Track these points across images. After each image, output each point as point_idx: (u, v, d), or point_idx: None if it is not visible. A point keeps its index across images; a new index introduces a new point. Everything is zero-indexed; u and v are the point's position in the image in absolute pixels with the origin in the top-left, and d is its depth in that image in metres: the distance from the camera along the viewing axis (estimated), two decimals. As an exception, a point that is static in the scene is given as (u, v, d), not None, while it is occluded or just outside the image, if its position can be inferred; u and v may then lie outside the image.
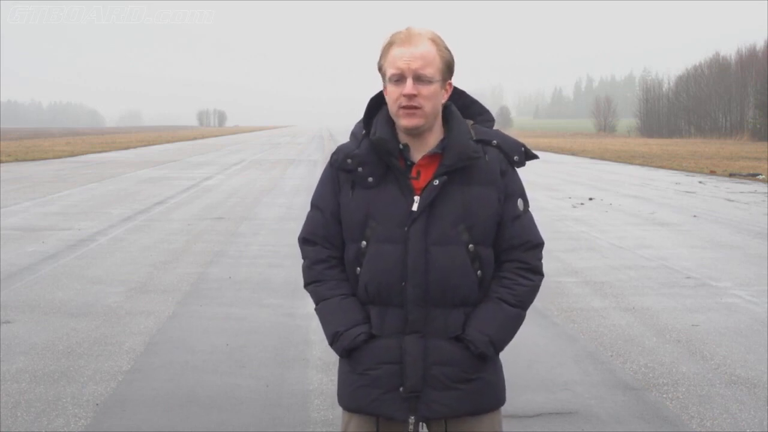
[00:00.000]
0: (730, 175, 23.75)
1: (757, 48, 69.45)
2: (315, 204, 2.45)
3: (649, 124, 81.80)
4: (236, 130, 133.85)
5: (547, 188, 18.88)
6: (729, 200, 16.47)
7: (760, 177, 22.71)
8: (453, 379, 2.32)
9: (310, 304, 2.76)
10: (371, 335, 2.34)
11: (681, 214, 14.03)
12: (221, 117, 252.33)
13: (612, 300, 7.30)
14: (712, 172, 25.18)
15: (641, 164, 30.42)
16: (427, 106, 2.27)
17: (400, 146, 2.32)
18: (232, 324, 6.39)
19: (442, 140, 2.33)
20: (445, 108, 2.37)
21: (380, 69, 2.33)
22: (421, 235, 2.29)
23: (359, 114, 2.53)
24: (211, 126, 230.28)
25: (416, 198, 2.30)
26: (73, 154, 36.58)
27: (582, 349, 5.75)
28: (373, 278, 2.32)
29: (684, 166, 27.96)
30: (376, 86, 2.45)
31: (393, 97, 2.29)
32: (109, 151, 42.11)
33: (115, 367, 5.26)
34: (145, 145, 51.15)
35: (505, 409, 2.51)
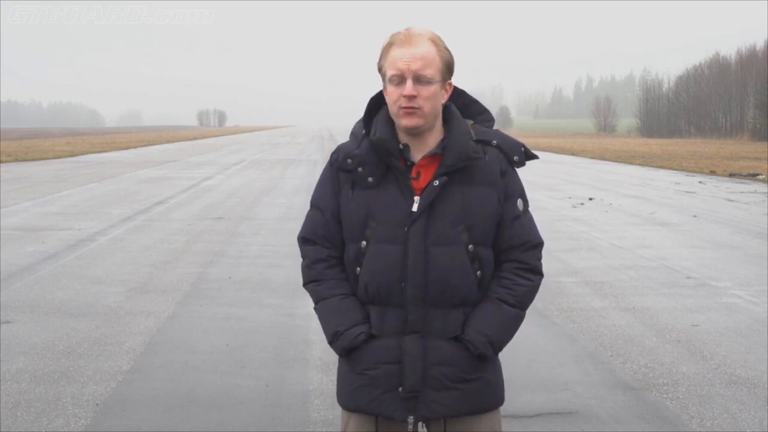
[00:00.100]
0: (730, 175, 23.76)
1: (757, 48, 69.50)
2: (315, 204, 2.45)
3: (649, 124, 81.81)
4: (236, 130, 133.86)
5: (547, 188, 18.89)
6: (729, 200, 16.47)
7: (760, 177, 22.71)
8: (452, 379, 2.32)
9: (310, 304, 2.76)
10: (371, 335, 2.34)
11: (681, 214, 14.03)
12: (221, 117, 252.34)
13: (612, 300, 7.30)
14: (712, 172, 25.18)
15: (641, 164, 30.42)
16: (427, 107, 2.27)
17: (400, 146, 2.32)
18: (232, 324, 6.39)
19: (442, 140, 2.33)
20: (445, 108, 2.37)
21: (380, 70, 2.33)
22: (420, 236, 2.29)
23: (359, 114, 2.53)
24: (211, 126, 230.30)
25: (416, 198, 2.30)
26: (73, 154, 36.59)
27: (582, 349, 5.75)
28: (373, 278, 2.32)
29: (684, 166, 27.96)
30: (375, 86, 2.46)
31: (393, 97, 2.29)
32: (109, 151, 42.12)
33: (115, 367, 5.26)
34: (145, 145, 51.16)
35: (504, 409, 2.51)
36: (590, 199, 16.54)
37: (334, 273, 2.40)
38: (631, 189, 19.25)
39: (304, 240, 2.47)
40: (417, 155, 2.33)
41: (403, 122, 2.29)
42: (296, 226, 8.41)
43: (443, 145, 2.32)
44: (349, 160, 2.34)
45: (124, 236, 11.06)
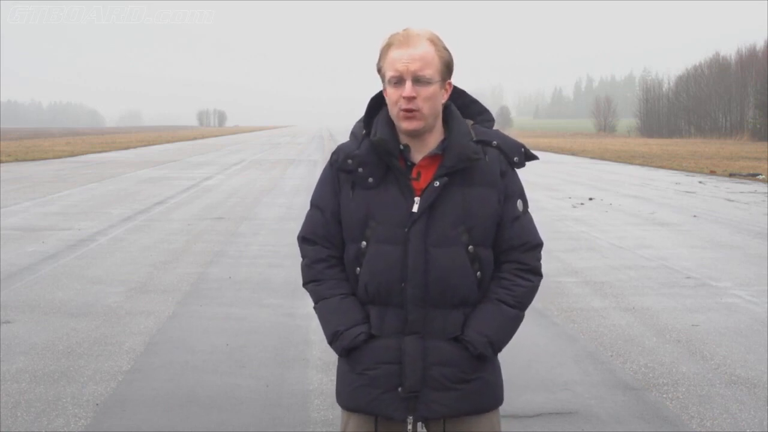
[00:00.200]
0: (730, 175, 23.76)
1: (757, 48, 69.49)
2: (315, 203, 2.45)
3: (649, 124, 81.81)
4: (236, 130, 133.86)
5: (547, 188, 18.89)
6: (729, 200, 16.47)
7: (760, 177, 22.71)
8: (452, 380, 2.32)
9: (310, 304, 2.76)
10: (371, 335, 2.34)
11: (681, 214, 14.03)
12: (221, 117, 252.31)
13: (612, 300, 7.31)
14: (712, 172, 25.18)
15: (641, 164, 30.42)
16: (427, 108, 2.27)
17: (401, 147, 2.32)
18: (232, 324, 6.39)
19: (443, 141, 2.33)
20: (445, 108, 2.37)
21: (379, 71, 2.33)
22: (421, 236, 2.29)
23: (359, 114, 2.53)
24: (211, 126, 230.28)
25: (416, 199, 2.30)
26: (73, 154, 36.59)
27: (582, 349, 5.75)
28: (373, 278, 2.32)
29: (684, 166, 27.96)
30: (375, 86, 2.45)
31: (393, 99, 2.28)
32: (109, 151, 42.12)
33: (115, 367, 5.26)
34: (145, 145, 51.16)
35: (504, 409, 2.52)
36: (590, 199, 16.54)
37: (334, 273, 2.40)
38: (631, 189, 19.25)
39: (304, 240, 2.47)
40: (417, 156, 2.33)
41: (403, 126, 2.29)
42: (296, 226, 8.41)
43: (443, 146, 2.32)
44: (350, 161, 2.34)
45: (124, 236, 11.07)
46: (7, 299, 7.15)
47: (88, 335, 6.03)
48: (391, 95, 2.29)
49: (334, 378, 4.56)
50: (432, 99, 2.27)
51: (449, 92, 2.36)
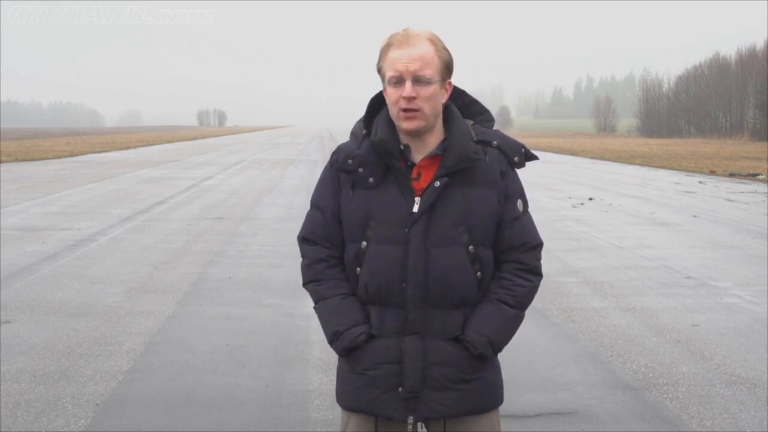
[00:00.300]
0: (730, 175, 23.76)
1: (757, 48, 69.50)
2: (315, 203, 2.45)
3: (649, 124, 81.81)
4: (236, 130, 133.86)
5: (547, 188, 18.89)
6: (729, 200, 16.47)
7: (760, 177, 22.71)
8: (452, 380, 2.32)
9: (310, 304, 2.76)
10: (371, 335, 2.34)
11: (681, 214, 14.03)
12: (221, 117, 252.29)
13: (612, 300, 7.30)
14: (712, 172, 25.18)
15: (641, 164, 30.42)
16: (427, 107, 2.27)
17: (401, 147, 2.32)
18: (232, 324, 6.39)
19: (443, 141, 2.33)
20: (446, 108, 2.37)
21: (379, 71, 2.33)
22: (421, 237, 2.29)
23: (359, 114, 2.53)
24: (211, 126, 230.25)
25: (417, 199, 2.30)
26: (73, 154, 36.59)
27: (582, 349, 5.75)
28: (373, 278, 2.32)
29: (684, 166, 27.96)
30: (375, 86, 2.45)
31: (393, 99, 2.28)
32: (109, 151, 42.12)
33: (115, 367, 5.26)
34: (145, 145, 51.16)
35: (504, 409, 2.52)
36: (590, 199, 16.54)
37: (334, 273, 2.40)
38: (631, 189, 19.25)
39: (304, 240, 2.47)
40: (418, 156, 2.33)
41: (404, 125, 2.29)
42: (296, 226, 8.41)
43: (444, 146, 2.32)
44: (350, 161, 2.34)
45: (124, 236, 11.07)
46: (7, 299, 7.15)
47: (88, 335, 6.03)
48: (391, 95, 2.29)
49: (334, 378, 4.56)
50: (432, 99, 2.27)
51: (449, 92, 2.36)
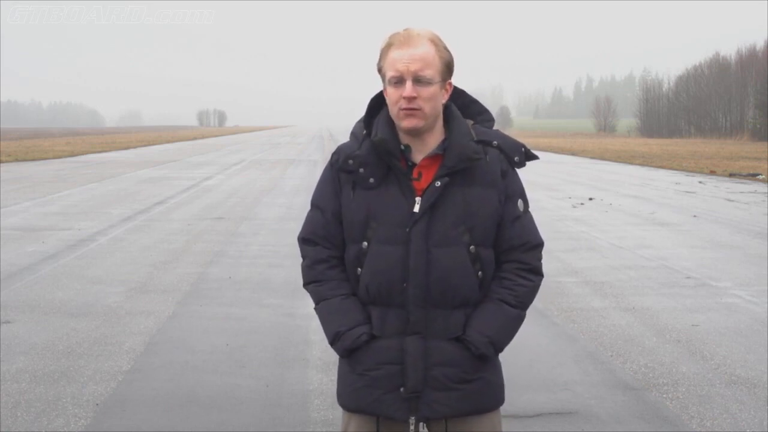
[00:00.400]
0: (730, 175, 23.76)
1: (757, 48, 69.50)
2: (315, 204, 2.45)
3: (649, 124, 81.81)
4: (236, 130, 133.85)
5: (548, 188, 18.89)
6: (729, 200, 16.47)
7: (760, 177, 22.71)
8: (453, 380, 2.32)
9: (310, 304, 2.76)
10: (372, 336, 2.34)
11: (681, 214, 14.03)
12: (221, 117, 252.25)
13: (612, 300, 7.30)
14: (712, 172, 25.18)
15: (641, 164, 30.42)
16: (427, 108, 2.27)
17: (402, 147, 2.32)
18: (232, 324, 6.39)
19: (443, 141, 2.33)
20: (446, 108, 2.37)
21: (380, 71, 2.33)
22: (422, 237, 2.29)
23: (359, 114, 2.53)
24: (211, 126, 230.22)
25: (417, 199, 2.30)
26: (73, 154, 36.59)
27: (582, 349, 5.75)
28: (374, 279, 2.32)
29: (684, 166, 27.96)
30: (375, 86, 2.45)
31: (393, 99, 2.28)
32: (109, 151, 42.12)
33: (115, 367, 5.26)
34: (145, 145, 51.16)
35: (505, 409, 2.51)
36: (590, 199, 16.54)
37: (335, 274, 2.40)
38: (631, 189, 19.25)
39: (304, 240, 2.47)
40: (418, 156, 2.33)
41: (403, 124, 2.29)
42: (296, 226, 8.41)
43: (444, 146, 2.32)
44: (350, 161, 2.34)
45: (124, 236, 11.07)
46: (7, 299, 7.15)
47: (88, 335, 6.03)
48: (392, 95, 2.29)
49: (334, 378, 4.56)
50: (432, 99, 2.27)
51: (449, 93, 2.36)
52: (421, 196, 2.30)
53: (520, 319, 2.39)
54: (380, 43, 2.32)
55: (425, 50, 2.26)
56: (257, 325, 6.37)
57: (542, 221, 11.62)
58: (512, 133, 71.76)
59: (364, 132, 2.37)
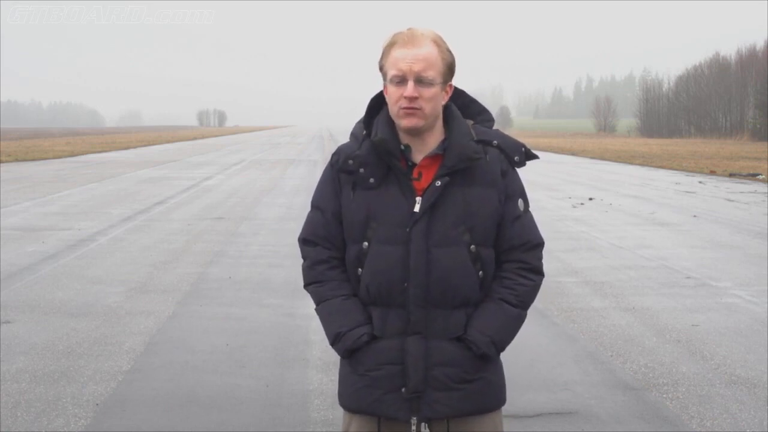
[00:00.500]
0: (730, 175, 23.76)
1: (757, 48, 69.50)
2: (315, 204, 2.45)
3: (649, 124, 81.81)
4: (236, 130, 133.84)
5: (548, 188, 18.89)
6: (729, 200, 16.47)
7: (760, 177, 22.71)
8: (455, 380, 2.32)
9: (310, 304, 2.76)
10: (373, 336, 2.34)
11: (681, 214, 14.03)
12: (221, 117, 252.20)
13: (612, 300, 7.30)
14: (712, 172, 25.18)
15: (641, 164, 30.42)
16: (428, 108, 2.27)
17: (402, 147, 2.32)
18: (232, 324, 6.39)
19: (443, 141, 2.33)
20: (446, 108, 2.37)
21: (381, 69, 2.33)
22: (422, 236, 2.29)
23: (359, 114, 2.52)
24: (211, 126, 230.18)
25: (418, 199, 2.30)
26: (73, 154, 36.59)
27: (582, 349, 5.75)
28: (375, 279, 2.32)
29: (684, 166, 27.97)
30: (376, 86, 2.45)
31: (394, 98, 2.28)
32: (109, 151, 42.12)
33: (115, 367, 5.26)
34: (145, 145, 51.16)
35: (505, 408, 2.51)
36: (590, 199, 16.54)
37: (336, 274, 2.40)
38: (631, 189, 19.25)
39: (304, 241, 2.46)
40: (418, 156, 2.33)
41: (403, 123, 2.29)
42: (296, 226, 8.41)
43: (444, 146, 2.31)
44: (350, 161, 2.34)
45: (124, 236, 11.07)
46: (7, 299, 7.15)
47: (88, 335, 6.03)
48: (392, 94, 2.28)
49: (334, 378, 4.56)
50: (433, 100, 2.27)
51: (449, 94, 2.36)
52: (421, 195, 2.30)
53: (521, 319, 2.39)
54: (382, 41, 2.32)
55: (428, 51, 2.26)
56: (257, 325, 6.37)
57: (542, 221, 11.61)
58: (512, 133, 71.76)
59: (364, 132, 2.37)
